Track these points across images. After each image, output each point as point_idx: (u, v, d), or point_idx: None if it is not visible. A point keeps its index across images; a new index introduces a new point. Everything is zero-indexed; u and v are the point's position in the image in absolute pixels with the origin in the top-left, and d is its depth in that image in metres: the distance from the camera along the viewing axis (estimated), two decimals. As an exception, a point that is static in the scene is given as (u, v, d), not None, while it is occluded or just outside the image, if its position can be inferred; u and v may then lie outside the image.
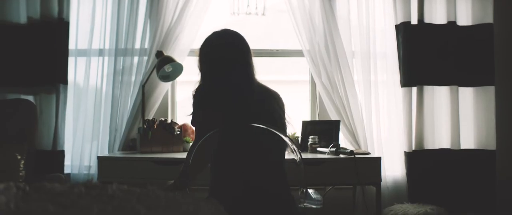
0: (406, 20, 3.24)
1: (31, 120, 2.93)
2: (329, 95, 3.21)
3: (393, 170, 3.27)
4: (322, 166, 2.66)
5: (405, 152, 3.24)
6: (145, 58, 3.17)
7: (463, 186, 3.21)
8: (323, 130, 3.12)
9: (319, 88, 3.28)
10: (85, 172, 3.11)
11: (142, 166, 2.60)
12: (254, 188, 1.84)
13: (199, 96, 1.94)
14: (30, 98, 3.07)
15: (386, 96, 3.32)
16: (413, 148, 3.23)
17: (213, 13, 3.43)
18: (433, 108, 3.28)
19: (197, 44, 3.31)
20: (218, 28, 2.18)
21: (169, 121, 3.06)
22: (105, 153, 3.08)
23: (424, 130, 3.25)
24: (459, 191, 3.20)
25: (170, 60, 2.97)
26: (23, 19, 3.11)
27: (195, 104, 1.94)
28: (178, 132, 2.99)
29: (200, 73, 2.04)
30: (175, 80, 3.22)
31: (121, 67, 3.17)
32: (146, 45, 3.19)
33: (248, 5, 3.17)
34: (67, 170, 3.11)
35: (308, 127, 3.18)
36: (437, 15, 3.29)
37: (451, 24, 3.26)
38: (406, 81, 3.24)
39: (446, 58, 3.26)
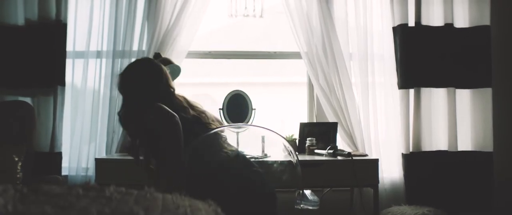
0: (403, 22, 3.25)
1: (29, 121, 2.92)
2: (327, 97, 3.22)
3: (391, 171, 3.27)
4: (320, 168, 2.67)
5: (402, 153, 3.25)
6: (143, 60, 3.17)
7: (460, 188, 3.21)
8: (320, 131, 3.13)
9: (316, 90, 3.29)
10: (83, 173, 3.10)
11: (140, 168, 2.59)
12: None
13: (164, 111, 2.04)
14: (28, 100, 3.07)
15: (384, 98, 3.32)
16: (411, 150, 3.24)
17: (211, 15, 3.44)
18: (431, 109, 3.29)
19: (195, 46, 3.35)
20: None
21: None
22: (103, 155, 3.08)
23: (422, 132, 3.26)
24: (457, 192, 3.21)
25: (167, 62, 2.96)
26: (20, 21, 3.10)
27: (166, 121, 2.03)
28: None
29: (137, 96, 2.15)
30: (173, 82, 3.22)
31: (119, 69, 3.16)
32: (144, 47, 3.19)
33: (245, 7, 3.17)
34: (64, 172, 3.10)
35: (306, 128, 3.18)
36: (434, 17, 3.30)
37: (448, 26, 3.27)
38: (404, 83, 3.25)
39: (443, 60, 3.27)
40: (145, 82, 2.15)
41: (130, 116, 2.12)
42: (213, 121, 2.22)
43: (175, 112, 2.07)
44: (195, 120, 2.14)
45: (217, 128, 2.14)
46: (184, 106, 2.16)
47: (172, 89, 2.20)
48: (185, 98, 2.24)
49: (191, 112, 2.16)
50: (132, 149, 2.17)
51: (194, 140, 2.03)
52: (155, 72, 2.19)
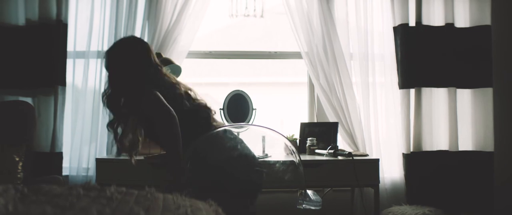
0: (404, 22, 3.25)
1: (29, 121, 2.92)
2: (327, 97, 3.22)
3: (391, 171, 3.27)
4: (320, 168, 2.66)
5: (403, 153, 3.25)
6: (144, 60, 3.16)
7: (461, 188, 3.21)
8: (321, 131, 3.12)
9: (317, 90, 3.29)
10: (84, 174, 3.10)
11: (141, 168, 2.59)
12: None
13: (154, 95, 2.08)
14: (29, 100, 3.06)
15: (384, 98, 3.32)
16: (411, 150, 3.23)
17: (211, 15, 3.43)
18: (431, 109, 3.29)
19: (196, 46, 3.35)
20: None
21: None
22: (104, 155, 3.07)
23: (422, 132, 3.26)
24: (457, 192, 3.20)
25: (168, 62, 2.97)
26: (21, 21, 3.10)
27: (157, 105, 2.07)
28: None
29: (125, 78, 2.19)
30: (173, 82, 3.22)
31: (119, 69, 3.16)
32: (145, 47, 3.18)
33: (246, 7, 3.17)
34: (65, 172, 3.10)
35: (306, 128, 3.18)
36: (435, 17, 3.30)
37: (449, 26, 3.27)
38: (404, 83, 3.25)
39: (444, 60, 3.27)
40: (134, 60, 2.18)
41: (117, 97, 2.16)
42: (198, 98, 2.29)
43: (167, 88, 2.11)
44: (186, 96, 2.20)
45: (221, 127, 2.16)
46: (173, 82, 2.21)
47: (159, 67, 2.24)
48: (170, 74, 2.28)
49: (181, 88, 2.21)
50: (112, 125, 2.21)
51: (194, 138, 2.06)
52: (144, 49, 2.23)
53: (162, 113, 2.03)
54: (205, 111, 2.23)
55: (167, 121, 2.01)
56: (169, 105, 2.04)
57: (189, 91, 2.25)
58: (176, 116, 2.03)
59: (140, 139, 2.27)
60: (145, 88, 2.09)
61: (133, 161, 2.26)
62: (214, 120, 2.25)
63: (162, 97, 2.05)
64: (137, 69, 2.16)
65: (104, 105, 2.24)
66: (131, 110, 2.17)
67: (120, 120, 2.19)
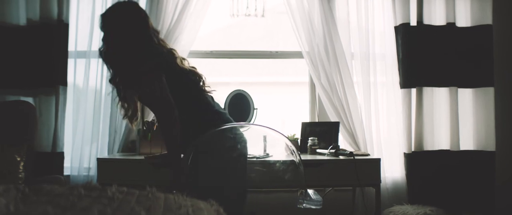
0: (405, 21, 3.24)
1: (30, 121, 2.92)
2: (329, 97, 3.21)
3: (393, 171, 3.27)
4: (322, 168, 2.66)
5: (404, 153, 3.24)
6: (145, 59, 3.16)
7: (462, 187, 3.21)
8: (322, 131, 3.12)
9: (318, 90, 3.29)
10: (85, 173, 3.10)
11: (142, 168, 2.60)
12: None
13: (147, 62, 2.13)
14: (30, 100, 3.07)
15: (386, 98, 3.32)
16: (413, 149, 3.23)
17: (213, 15, 3.43)
18: (433, 109, 3.28)
19: (197, 45, 3.35)
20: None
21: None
22: (105, 155, 3.08)
23: (424, 131, 3.25)
24: (459, 192, 3.20)
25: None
26: (22, 20, 3.11)
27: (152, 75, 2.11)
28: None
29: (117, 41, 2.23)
30: (174, 82, 3.22)
31: (120, 69, 3.16)
32: (146, 47, 3.18)
33: (247, 7, 3.16)
34: (66, 172, 3.10)
35: (308, 128, 3.18)
36: (436, 17, 3.30)
37: (450, 26, 3.27)
38: (406, 82, 3.25)
39: (445, 59, 3.27)
40: (131, 22, 2.22)
41: (113, 56, 2.22)
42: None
43: (164, 53, 2.18)
44: (180, 60, 2.26)
45: (224, 126, 2.16)
46: (169, 49, 2.28)
47: (156, 32, 2.30)
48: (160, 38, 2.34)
49: (177, 54, 2.29)
50: (114, 80, 2.26)
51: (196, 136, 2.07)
52: (141, 13, 2.28)
53: (161, 101, 2.08)
54: (199, 75, 2.32)
55: (166, 109, 2.07)
56: (168, 93, 2.09)
57: (183, 60, 2.31)
58: (174, 104, 2.09)
59: (139, 107, 2.33)
60: (143, 55, 2.13)
61: (134, 127, 2.41)
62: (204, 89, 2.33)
63: (163, 80, 2.09)
64: (133, 31, 2.20)
65: (99, 56, 2.31)
66: (128, 79, 2.21)
67: (119, 76, 2.23)
